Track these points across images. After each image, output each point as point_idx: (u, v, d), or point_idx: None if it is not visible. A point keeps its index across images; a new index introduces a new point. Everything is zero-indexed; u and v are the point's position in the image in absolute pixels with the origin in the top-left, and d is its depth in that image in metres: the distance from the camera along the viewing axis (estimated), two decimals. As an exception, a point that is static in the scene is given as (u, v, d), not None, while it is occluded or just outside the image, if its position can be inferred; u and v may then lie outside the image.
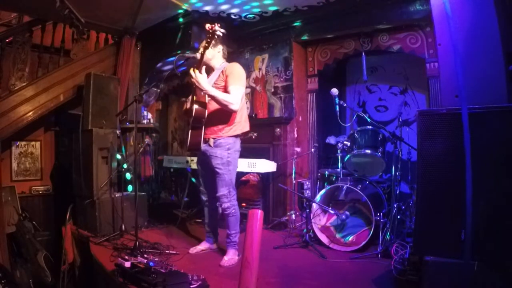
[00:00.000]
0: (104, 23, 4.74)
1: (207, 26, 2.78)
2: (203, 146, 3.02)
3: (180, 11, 4.46)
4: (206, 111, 2.96)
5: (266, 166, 4.11)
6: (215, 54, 3.07)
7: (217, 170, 2.97)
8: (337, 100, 3.53)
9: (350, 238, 3.40)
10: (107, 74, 4.58)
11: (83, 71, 4.48)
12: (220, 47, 3.10)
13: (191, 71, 2.83)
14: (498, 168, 1.82)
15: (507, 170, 1.80)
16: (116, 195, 3.90)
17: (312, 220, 3.57)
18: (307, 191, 4.44)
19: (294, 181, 4.18)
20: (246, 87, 3.90)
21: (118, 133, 4.21)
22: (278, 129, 4.49)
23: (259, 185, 4.39)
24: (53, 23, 4.64)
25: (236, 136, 3.03)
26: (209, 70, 3.12)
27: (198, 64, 2.89)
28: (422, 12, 3.67)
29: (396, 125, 3.62)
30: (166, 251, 3.19)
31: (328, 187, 3.60)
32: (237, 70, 2.98)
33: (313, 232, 3.54)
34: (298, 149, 4.65)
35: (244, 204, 4.30)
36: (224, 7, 4.29)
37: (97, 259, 3.08)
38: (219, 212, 3.23)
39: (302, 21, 4.51)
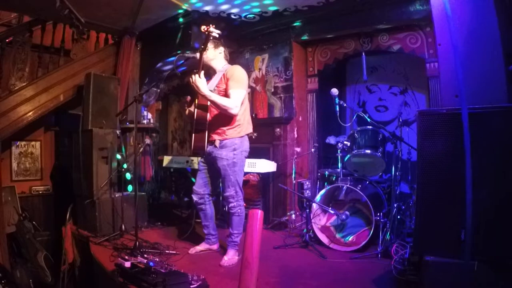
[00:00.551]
0: (104, 23, 4.73)
1: (203, 28, 2.77)
2: (209, 148, 3.02)
3: (180, 11, 4.46)
4: (208, 113, 2.98)
5: (266, 166, 4.11)
6: (216, 55, 3.07)
7: (223, 171, 2.97)
8: (337, 100, 3.53)
9: (350, 238, 3.40)
10: (107, 74, 4.58)
11: (83, 71, 4.47)
12: (221, 49, 3.10)
13: (192, 75, 2.84)
14: (498, 168, 1.82)
15: (507, 170, 1.80)
16: (116, 195, 3.90)
17: (312, 220, 3.57)
18: (307, 191, 4.44)
19: (294, 181, 4.18)
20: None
21: (118, 133, 4.21)
22: (278, 129, 4.49)
23: (259, 185, 4.39)
24: (53, 23, 4.64)
25: (241, 136, 3.03)
26: (211, 72, 3.12)
27: (198, 68, 2.88)
28: (422, 12, 3.66)
29: (396, 125, 3.62)
30: (166, 251, 3.19)
31: (328, 187, 3.60)
32: (238, 73, 2.97)
33: (313, 232, 3.54)
34: (298, 149, 4.65)
35: (244, 204, 4.30)
36: (224, 7, 4.29)
37: (97, 259, 3.08)
38: (212, 212, 3.24)
39: (302, 21, 4.51)
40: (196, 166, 3.80)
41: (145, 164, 5.06)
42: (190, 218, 4.50)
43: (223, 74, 3.01)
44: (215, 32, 2.74)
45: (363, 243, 3.19)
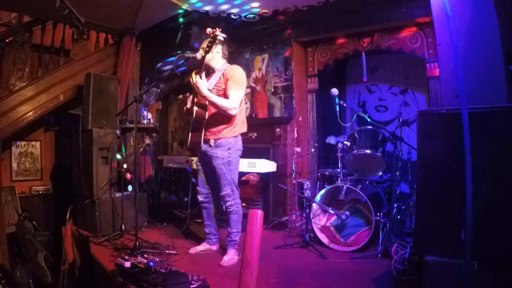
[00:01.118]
0: (104, 23, 4.74)
1: (208, 30, 2.76)
2: (204, 147, 3.04)
3: (180, 11, 4.46)
4: (207, 113, 2.99)
5: (266, 166, 4.11)
6: (214, 55, 3.06)
7: (219, 170, 2.98)
8: (337, 100, 3.53)
9: (350, 238, 3.40)
10: (107, 74, 4.58)
11: (83, 71, 4.48)
12: (219, 47, 3.09)
13: (193, 75, 2.84)
14: (498, 168, 1.82)
15: (507, 170, 1.80)
16: (116, 195, 3.90)
17: (312, 220, 3.57)
18: (307, 191, 4.44)
19: (294, 181, 4.18)
20: (246, 87, 3.90)
21: (118, 133, 4.21)
22: (278, 129, 4.49)
23: (259, 185, 4.38)
24: (53, 23, 4.64)
25: (235, 136, 3.05)
26: (210, 71, 3.12)
27: (199, 68, 2.89)
28: (422, 12, 3.66)
29: (396, 125, 3.62)
30: (166, 251, 3.19)
31: (328, 187, 3.60)
32: (237, 74, 2.98)
33: (313, 232, 3.54)
34: (298, 149, 4.65)
35: (244, 204, 4.28)
36: (224, 7, 4.29)
37: (97, 259, 3.08)
38: (214, 211, 3.26)
39: (302, 21, 4.51)
40: (196, 166, 3.78)
41: (145, 164, 5.06)
42: (190, 218, 4.50)
43: (223, 74, 3.01)
44: (221, 36, 2.74)
45: (363, 243, 3.20)
